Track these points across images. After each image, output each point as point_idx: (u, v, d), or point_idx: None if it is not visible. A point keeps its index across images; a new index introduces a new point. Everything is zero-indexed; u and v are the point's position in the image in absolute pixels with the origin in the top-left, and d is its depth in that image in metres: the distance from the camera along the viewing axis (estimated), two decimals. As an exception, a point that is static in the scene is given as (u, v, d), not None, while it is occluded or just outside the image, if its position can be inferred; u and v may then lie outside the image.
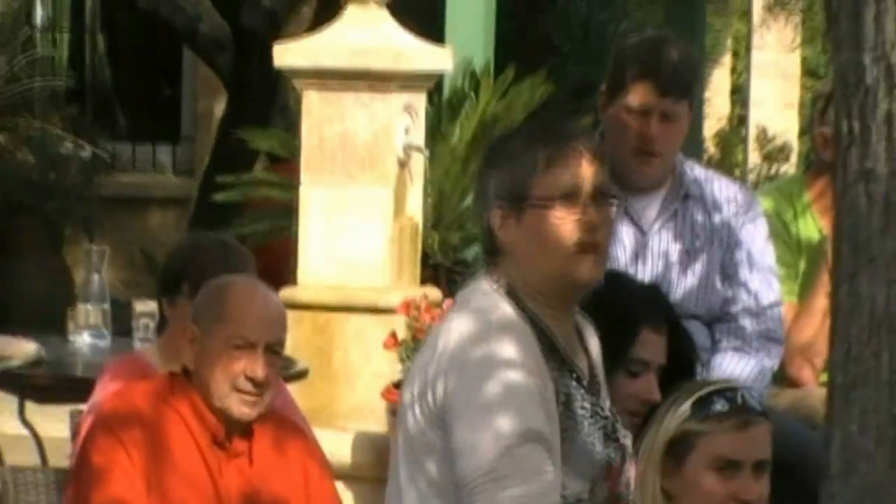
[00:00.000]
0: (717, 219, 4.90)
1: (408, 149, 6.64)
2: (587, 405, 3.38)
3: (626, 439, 3.50)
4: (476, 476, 3.21)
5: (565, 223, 3.31)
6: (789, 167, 14.87)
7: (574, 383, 3.37)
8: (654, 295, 4.18)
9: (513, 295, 3.36)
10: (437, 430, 3.28)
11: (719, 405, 3.53)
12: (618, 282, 4.07)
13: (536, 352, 3.29)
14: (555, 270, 3.34)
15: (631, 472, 3.46)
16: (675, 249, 4.87)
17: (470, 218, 7.35)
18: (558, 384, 3.31)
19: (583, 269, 3.33)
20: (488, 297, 3.36)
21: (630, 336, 3.86)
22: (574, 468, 3.33)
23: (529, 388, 3.23)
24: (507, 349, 3.24)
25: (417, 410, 3.31)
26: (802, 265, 5.39)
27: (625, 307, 3.89)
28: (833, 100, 2.26)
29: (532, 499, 3.20)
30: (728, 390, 3.61)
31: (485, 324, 3.29)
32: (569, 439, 3.33)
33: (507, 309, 3.33)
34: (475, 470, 3.21)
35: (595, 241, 3.34)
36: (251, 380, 4.10)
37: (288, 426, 4.37)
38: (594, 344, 3.53)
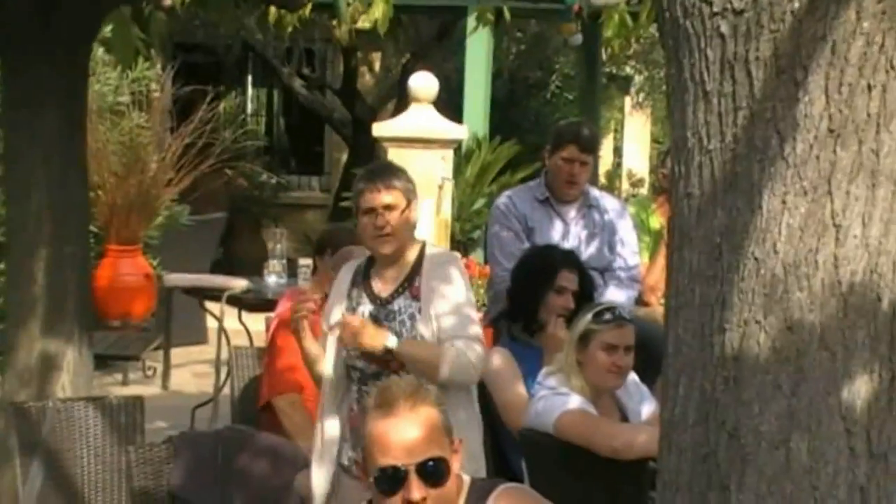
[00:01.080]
0: (606, 218, 6.35)
1: (443, 179, 8.52)
2: (368, 308, 4.63)
3: (402, 328, 4.58)
4: None
5: (369, 225, 4.59)
6: (643, 190, 19.65)
7: (367, 299, 4.65)
8: (570, 254, 5.74)
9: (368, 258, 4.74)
10: None
11: (607, 315, 4.91)
12: (550, 247, 5.81)
13: (346, 281, 4.72)
14: (368, 247, 4.69)
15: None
16: (583, 234, 6.29)
17: (476, 216, 9.48)
18: (355, 296, 4.68)
19: (379, 246, 4.61)
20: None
21: (555, 272, 5.42)
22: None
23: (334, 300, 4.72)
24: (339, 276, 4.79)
25: None
26: (651, 242, 6.78)
27: (553, 258, 5.49)
28: (669, 154, 2.77)
29: None
30: (612, 308, 5.00)
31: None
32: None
33: (359, 261, 4.78)
34: None
35: (384, 233, 4.56)
36: None
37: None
38: (430, 279, 4.61)
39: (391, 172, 4.71)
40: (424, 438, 3.00)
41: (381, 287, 4.66)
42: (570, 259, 5.65)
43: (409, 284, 4.62)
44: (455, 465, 3.09)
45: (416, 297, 4.60)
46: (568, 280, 5.49)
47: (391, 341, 4.47)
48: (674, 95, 2.65)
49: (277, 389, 5.48)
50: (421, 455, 2.99)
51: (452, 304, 4.57)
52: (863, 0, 2.44)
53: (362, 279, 4.70)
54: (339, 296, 4.71)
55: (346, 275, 4.76)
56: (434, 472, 3.00)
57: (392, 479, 2.99)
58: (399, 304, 4.61)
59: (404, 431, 2.99)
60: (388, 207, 4.55)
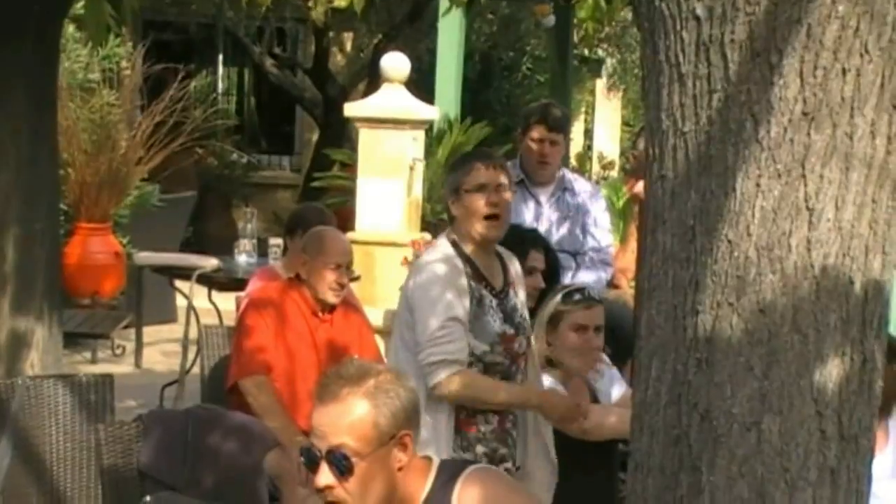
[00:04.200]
0: (578, 200, 6.44)
1: (414, 160, 8.54)
2: (493, 302, 4.49)
3: (524, 321, 4.61)
4: (424, 339, 4.36)
5: (479, 203, 4.46)
6: (614, 173, 20.05)
7: (486, 290, 4.48)
8: (538, 235, 5.73)
9: (454, 244, 4.52)
10: (409, 313, 4.47)
11: (577, 296, 4.87)
12: (520, 228, 5.65)
13: (458, 272, 4.43)
14: (474, 229, 4.49)
15: (523, 339, 4.58)
16: (556, 216, 6.38)
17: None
18: (474, 289, 4.44)
19: (490, 227, 4.49)
20: (438, 245, 4.58)
21: (525, 253, 5.24)
22: (479, 335, 4.44)
23: (450, 293, 4.38)
24: (440, 269, 4.42)
25: (403, 302, 4.55)
26: (622, 225, 6.87)
27: (522, 239, 5.30)
28: (640, 135, 2.72)
29: (452, 354, 4.34)
30: (581, 288, 5.00)
31: (429, 259, 4.53)
32: (476, 319, 4.43)
33: (446, 251, 4.49)
34: (424, 336, 4.36)
35: (496, 213, 4.47)
36: (338, 283, 5.56)
37: (351, 306, 5.87)
38: (514, 269, 4.67)
39: (500, 157, 4.69)
40: (340, 428, 2.93)
41: (493, 280, 4.55)
42: (536, 238, 5.62)
43: (506, 274, 4.59)
44: (392, 462, 2.98)
45: (514, 287, 4.61)
46: (536, 260, 5.42)
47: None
48: (649, 77, 2.63)
49: (245, 370, 5.47)
50: (330, 443, 2.93)
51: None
52: (838, -16, 2.43)
53: (472, 271, 4.49)
54: (458, 289, 4.44)
55: (455, 263, 4.48)
56: (338, 463, 2.93)
57: (310, 459, 2.97)
58: (511, 296, 4.56)
59: (324, 416, 2.95)
60: (501, 187, 4.47)
